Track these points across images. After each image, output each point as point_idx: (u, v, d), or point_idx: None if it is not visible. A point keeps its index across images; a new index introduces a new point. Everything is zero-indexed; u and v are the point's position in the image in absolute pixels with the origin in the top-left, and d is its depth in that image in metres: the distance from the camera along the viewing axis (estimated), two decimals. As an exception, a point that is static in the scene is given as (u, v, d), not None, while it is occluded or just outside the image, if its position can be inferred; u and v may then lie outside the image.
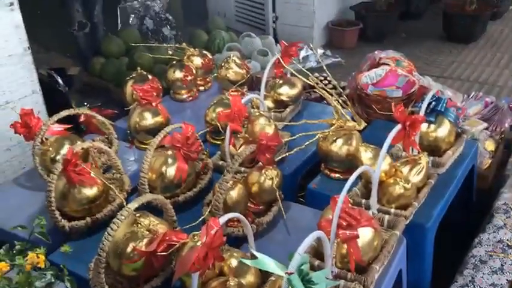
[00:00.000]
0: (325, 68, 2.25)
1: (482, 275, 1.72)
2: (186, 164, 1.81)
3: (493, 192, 2.30)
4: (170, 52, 3.14)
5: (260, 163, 1.73)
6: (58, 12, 5.90)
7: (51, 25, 5.73)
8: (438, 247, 1.88)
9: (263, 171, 1.70)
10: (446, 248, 2.00)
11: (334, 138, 1.92)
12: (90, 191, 1.73)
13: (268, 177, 1.69)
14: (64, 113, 1.98)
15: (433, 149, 1.98)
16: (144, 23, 3.99)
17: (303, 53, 4.73)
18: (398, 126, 1.69)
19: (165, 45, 3.03)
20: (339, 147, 1.92)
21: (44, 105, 2.56)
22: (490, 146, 2.48)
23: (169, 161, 1.80)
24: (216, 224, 1.21)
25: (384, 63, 2.68)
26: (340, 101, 2.05)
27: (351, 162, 1.93)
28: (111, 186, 1.66)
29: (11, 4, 2.25)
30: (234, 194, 1.66)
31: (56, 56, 4.99)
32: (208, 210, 1.65)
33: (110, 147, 2.13)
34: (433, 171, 1.92)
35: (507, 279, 1.71)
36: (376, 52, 2.84)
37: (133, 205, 1.40)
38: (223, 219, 1.26)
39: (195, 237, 1.35)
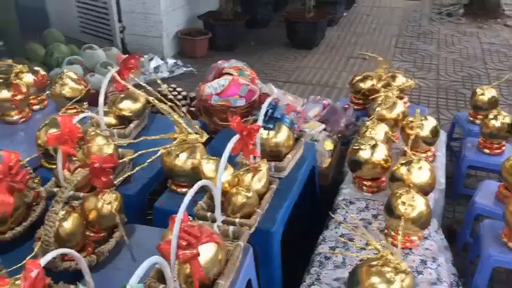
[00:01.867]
0: (159, 80, 2.17)
1: (327, 272, 1.80)
2: (12, 196, 1.61)
3: (335, 189, 2.46)
4: (3, 68, 2.83)
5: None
6: None
7: None
8: (292, 250, 1.93)
9: (100, 195, 1.59)
10: (300, 250, 2.08)
11: (178, 153, 1.88)
12: None
13: (106, 202, 1.59)
14: None
15: (275, 155, 2.04)
16: None
17: (153, 63, 4.65)
18: (236, 137, 1.70)
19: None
20: (183, 161, 1.88)
21: None
22: (329, 145, 2.65)
23: (-10, 195, 1.59)
24: (35, 266, 1.08)
25: (227, 73, 2.71)
26: (184, 113, 2.01)
27: (196, 176, 1.90)
28: None
29: None
30: (68, 224, 1.52)
31: None
32: (38, 246, 1.49)
33: None
34: (276, 176, 1.98)
35: (349, 272, 1.83)
36: (219, 62, 2.87)
37: None
38: (45, 259, 1.13)
39: (17, 282, 1.20)
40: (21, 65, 2.49)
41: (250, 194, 1.69)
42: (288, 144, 2.06)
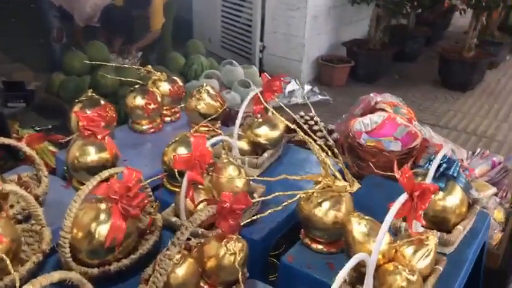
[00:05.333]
0: (311, 107, 1.84)
1: None
2: (124, 222, 1.38)
3: (504, 272, 1.92)
4: (142, 74, 2.74)
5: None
6: (33, 23, 5.52)
7: (23, 35, 5.34)
8: None
9: (223, 242, 1.28)
10: None
11: (319, 201, 1.52)
12: (-13, 251, 1.28)
13: (230, 252, 1.27)
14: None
15: (440, 222, 1.59)
16: None
17: (289, 87, 4.39)
18: (404, 196, 1.29)
19: (134, 66, 2.62)
20: (324, 212, 1.51)
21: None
22: (499, 215, 2.11)
23: (102, 216, 1.36)
24: None
25: (380, 109, 2.31)
26: (328, 151, 1.65)
27: (338, 232, 1.53)
28: (4, 256, 1.20)
29: None
30: (181, 271, 1.23)
31: (20, 68, 4.56)
32: (144, 292, 1.22)
33: (38, 186, 1.71)
34: (440, 251, 1.52)
35: None
36: (371, 95, 2.49)
37: (26, 290, 0.96)
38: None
39: None
40: (159, 73, 2.34)
41: (414, 278, 1.26)
42: (460, 211, 1.59)
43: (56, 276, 1.05)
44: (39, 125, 2.92)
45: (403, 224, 1.58)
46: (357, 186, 1.53)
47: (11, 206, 1.64)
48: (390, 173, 1.51)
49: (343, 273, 1.00)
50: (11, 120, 2.87)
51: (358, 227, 1.36)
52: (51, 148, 2.45)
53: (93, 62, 2.55)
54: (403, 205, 1.29)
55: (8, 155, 2.36)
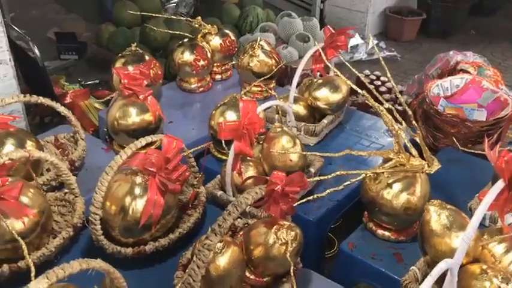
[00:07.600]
0: (383, 63, 1.53)
1: None
2: (162, 197, 1.21)
3: None
4: (194, 26, 2.53)
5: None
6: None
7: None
8: None
9: (273, 229, 1.09)
10: None
11: (390, 181, 1.28)
12: (16, 224, 1.15)
13: (281, 241, 1.08)
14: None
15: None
16: None
17: (352, 42, 4.03)
18: (500, 185, 1.03)
19: (182, 18, 2.42)
20: (394, 195, 1.28)
21: (15, 79, 2.02)
22: None
23: (137, 190, 1.20)
24: None
25: (461, 70, 1.99)
26: (402, 121, 1.39)
27: (410, 219, 1.30)
28: (21, 240, 1.05)
29: None
30: (223, 261, 1.06)
31: (74, 18, 4.47)
32: (181, 282, 1.06)
33: (76, 149, 1.58)
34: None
35: None
36: (451, 52, 2.15)
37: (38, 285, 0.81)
38: None
39: None
40: (210, 26, 2.11)
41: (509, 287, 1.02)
42: None
43: (76, 266, 0.89)
44: (87, 80, 2.80)
45: (489, 213, 1.33)
46: (436, 166, 1.27)
47: (48, 170, 1.53)
48: (479, 151, 1.26)
49: (428, 282, 0.78)
50: (57, 74, 2.76)
51: (438, 218, 1.11)
52: (98, 105, 2.33)
53: (140, 13, 2.35)
54: (500, 195, 1.03)
55: (53, 111, 2.25)
